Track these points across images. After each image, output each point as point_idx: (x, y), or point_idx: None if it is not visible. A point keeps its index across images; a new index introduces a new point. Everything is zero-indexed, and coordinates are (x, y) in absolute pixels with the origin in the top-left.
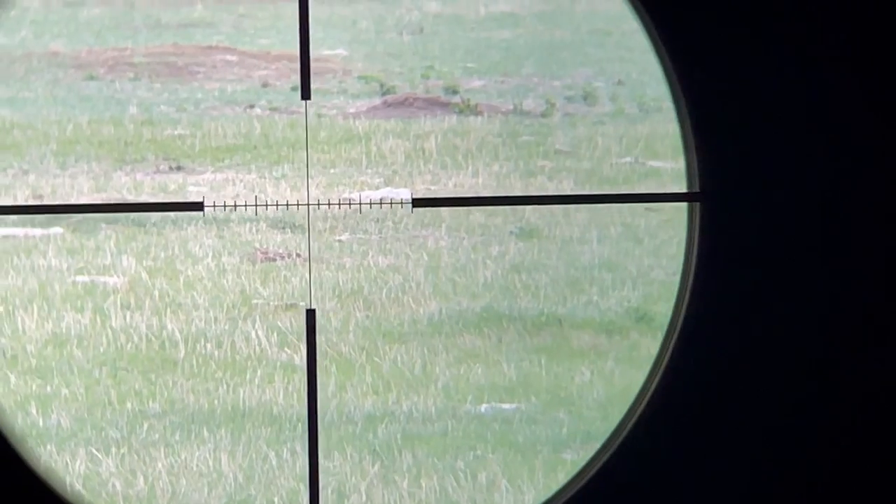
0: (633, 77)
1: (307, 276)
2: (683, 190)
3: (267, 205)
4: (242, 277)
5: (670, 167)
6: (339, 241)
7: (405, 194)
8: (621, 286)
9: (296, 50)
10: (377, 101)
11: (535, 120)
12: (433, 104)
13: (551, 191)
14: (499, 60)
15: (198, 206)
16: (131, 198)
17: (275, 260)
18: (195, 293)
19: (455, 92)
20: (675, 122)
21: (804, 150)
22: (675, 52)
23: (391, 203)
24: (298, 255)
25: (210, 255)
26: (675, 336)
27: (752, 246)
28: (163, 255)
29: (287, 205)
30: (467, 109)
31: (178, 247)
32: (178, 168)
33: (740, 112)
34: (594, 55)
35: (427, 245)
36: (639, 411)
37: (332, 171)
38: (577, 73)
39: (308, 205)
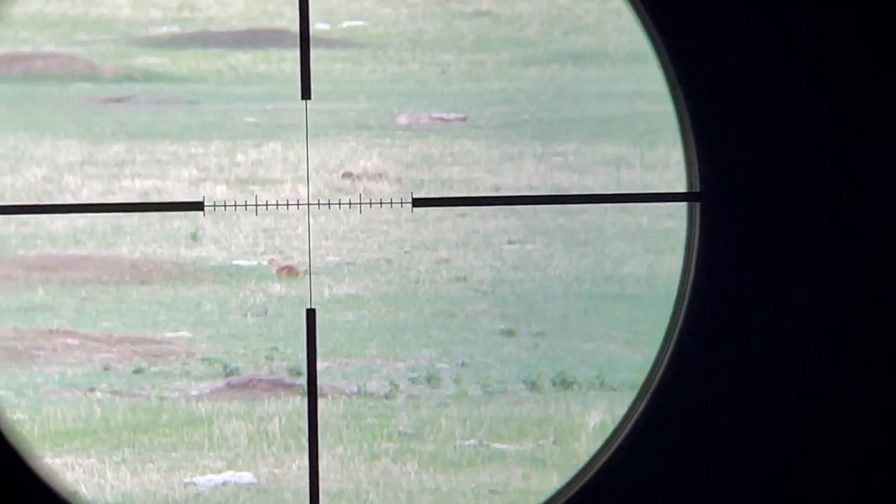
0: (477, 359)
1: None
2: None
3: (267, 204)
4: None
5: (515, 449)
6: None
7: (248, 478)
8: None
9: (137, 332)
10: (220, 383)
11: (378, 402)
12: (277, 386)
13: (395, 474)
14: (343, 342)
15: (198, 206)
16: None
17: None
18: None
19: (299, 374)
20: (675, 129)
21: (803, 149)
22: (674, 53)
23: (391, 203)
24: None
25: None
26: (675, 336)
27: (750, 246)
28: None
29: (287, 204)
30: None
31: None
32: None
33: (740, 112)
34: (438, 337)
35: None
36: (638, 411)
37: (173, 454)
38: (421, 354)
39: (308, 204)
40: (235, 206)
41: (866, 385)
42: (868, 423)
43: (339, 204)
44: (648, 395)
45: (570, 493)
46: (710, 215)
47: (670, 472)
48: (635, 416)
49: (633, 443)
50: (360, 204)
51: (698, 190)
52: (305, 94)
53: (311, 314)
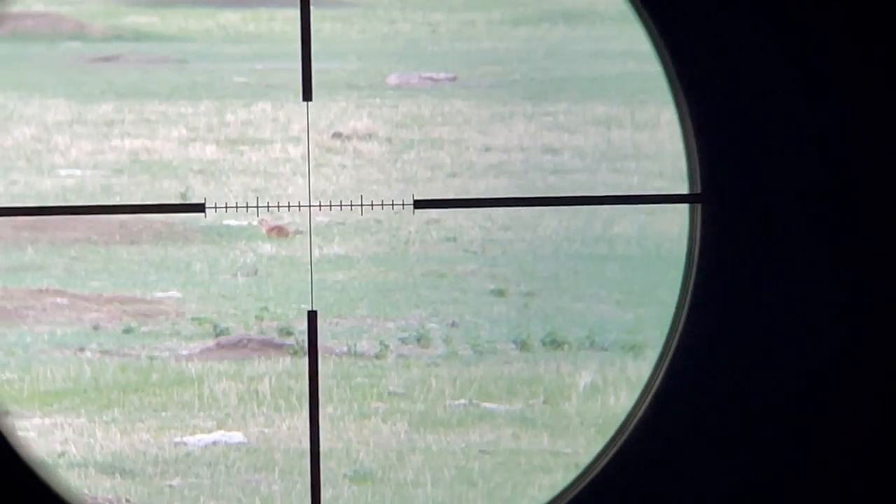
0: (467, 319)
1: None
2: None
3: (269, 206)
4: None
5: (505, 409)
6: (170, 485)
7: (238, 438)
8: None
9: (127, 292)
10: (210, 342)
11: (368, 361)
12: (267, 346)
13: (385, 434)
14: (333, 302)
15: (199, 208)
16: None
17: None
18: None
19: (289, 333)
20: (676, 126)
21: (806, 150)
22: (676, 53)
23: (392, 204)
24: (128, 501)
25: None
26: (677, 338)
27: (752, 247)
28: None
29: (289, 206)
30: (301, 351)
31: None
32: (5, 413)
33: (741, 113)
34: (428, 297)
35: (260, 490)
36: (641, 411)
37: (163, 414)
38: (411, 314)
39: (310, 206)
40: (237, 207)
41: (867, 382)
42: (871, 416)
43: (341, 206)
44: (648, 400)
45: (576, 491)
46: (712, 217)
47: (672, 473)
48: (635, 421)
49: (633, 447)
50: (362, 206)
51: (699, 191)
52: (307, 95)
53: (312, 316)
